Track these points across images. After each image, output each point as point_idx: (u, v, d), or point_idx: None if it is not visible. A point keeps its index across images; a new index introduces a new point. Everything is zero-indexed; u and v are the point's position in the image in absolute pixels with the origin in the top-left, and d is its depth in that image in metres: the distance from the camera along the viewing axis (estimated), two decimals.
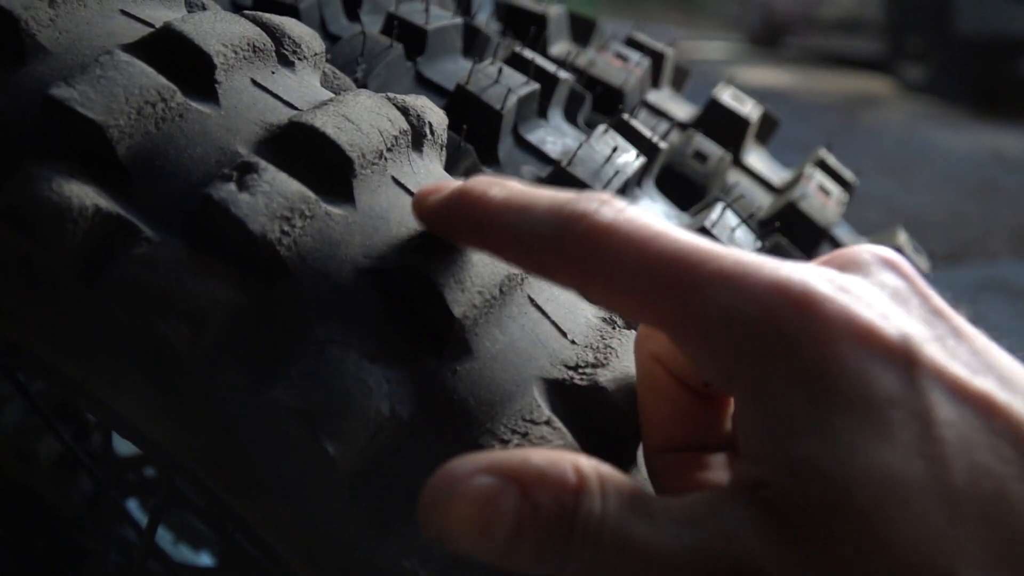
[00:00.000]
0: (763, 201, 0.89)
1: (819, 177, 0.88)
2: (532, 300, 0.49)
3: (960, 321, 0.39)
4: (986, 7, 5.38)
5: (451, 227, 0.44)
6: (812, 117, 5.06)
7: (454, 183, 0.45)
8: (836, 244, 0.89)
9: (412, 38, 0.72)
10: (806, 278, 0.37)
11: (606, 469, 0.38)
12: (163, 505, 0.62)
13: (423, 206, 0.45)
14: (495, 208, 0.42)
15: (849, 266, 0.41)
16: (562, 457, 0.38)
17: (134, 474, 0.97)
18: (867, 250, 0.42)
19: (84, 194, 0.43)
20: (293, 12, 0.71)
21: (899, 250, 0.91)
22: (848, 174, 0.92)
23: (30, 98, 0.47)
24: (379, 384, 0.43)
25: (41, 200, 0.43)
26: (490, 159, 0.68)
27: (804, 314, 0.36)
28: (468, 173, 0.67)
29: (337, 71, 0.60)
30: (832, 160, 0.93)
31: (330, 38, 0.72)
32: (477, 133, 0.67)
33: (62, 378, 0.50)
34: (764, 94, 1.01)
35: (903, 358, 0.36)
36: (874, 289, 0.39)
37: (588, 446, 0.46)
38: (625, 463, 0.47)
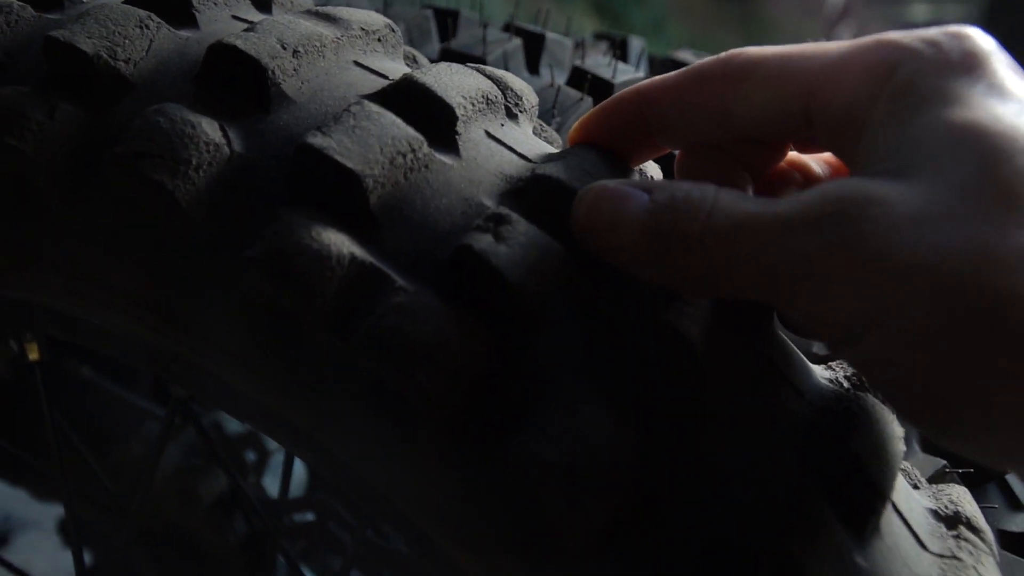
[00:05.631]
0: None
1: None
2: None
3: None
4: None
5: None
6: None
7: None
8: None
9: (599, 91, 0.72)
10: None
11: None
12: (354, 560, 0.62)
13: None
14: None
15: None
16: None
17: (287, 518, 0.98)
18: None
19: (341, 243, 0.44)
20: (482, 64, 0.72)
21: None
22: None
23: (278, 146, 0.47)
24: (628, 442, 0.42)
25: (302, 248, 0.43)
26: None
27: None
28: None
29: (545, 125, 0.60)
30: None
31: None
32: None
33: (288, 426, 0.51)
34: None
35: None
36: None
37: (837, 514, 0.44)
38: (870, 531, 0.45)
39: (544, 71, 0.76)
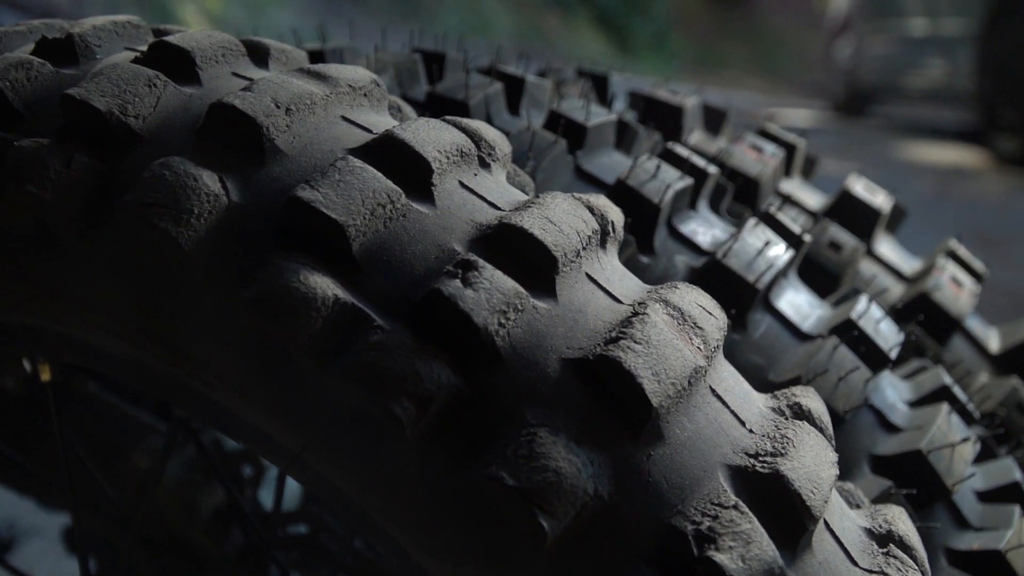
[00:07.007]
0: (894, 290, 0.92)
1: (951, 268, 0.90)
2: (713, 390, 0.53)
3: None
4: None
5: None
6: (902, 188, 5.02)
7: None
8: (968, 335, 0.91)
9: (573, 133, 0.77)
10: None
11: None
12: (340, 569, 0.67)
13: None
14: None
15: None
16: None
17: (281, 530, 1.03)
18: None
19: (325, 285, 0.49)
20: (464, 107, 0.77)
21: None
22: (979, 265, 0.95)
23: (270, 197, 0.53)
24: (586, 466, 0.47)
25: (290, 290, 0.48)
26: (647, 249, 0.73)
27: None
28: (628, 263, 0.71)
29: (518, 169, 0.65)
30: (963, 251, 0.95)
31: None
32: (635, 224, 0.72)
33: (276, 447, 0.56)
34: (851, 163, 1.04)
35: None
36: None
37: (768, 530, 0.49)
38: (802, 548, 0.50)
39: (524, 113, 0.82)
